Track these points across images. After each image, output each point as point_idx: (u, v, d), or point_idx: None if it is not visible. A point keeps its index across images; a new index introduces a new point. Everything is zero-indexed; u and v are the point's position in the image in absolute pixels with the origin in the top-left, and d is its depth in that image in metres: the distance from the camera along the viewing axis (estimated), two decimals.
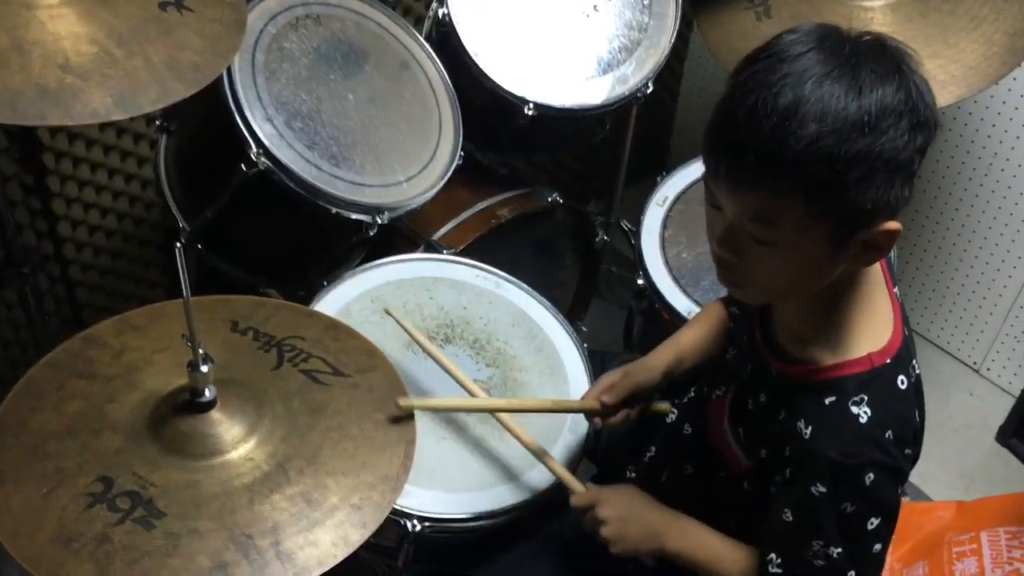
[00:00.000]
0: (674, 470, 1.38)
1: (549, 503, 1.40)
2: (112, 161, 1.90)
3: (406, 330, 1.44)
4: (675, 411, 1.43)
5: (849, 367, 1.06)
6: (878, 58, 0.94)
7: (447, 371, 1.40)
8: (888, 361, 1.06)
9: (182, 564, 0.93)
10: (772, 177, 0.95)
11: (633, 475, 1.44)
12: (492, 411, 1.40)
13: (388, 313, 1.47)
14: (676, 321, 1.69)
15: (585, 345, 1.61)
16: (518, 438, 1.36)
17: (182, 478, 1.00)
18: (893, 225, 0.99)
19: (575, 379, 1.55)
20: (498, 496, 1.37)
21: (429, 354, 1.43)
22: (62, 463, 1.00)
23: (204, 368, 1.01)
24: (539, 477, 1.40)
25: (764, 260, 1.02)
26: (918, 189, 2.50)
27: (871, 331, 1.07)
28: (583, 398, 1.42)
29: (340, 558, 0.97)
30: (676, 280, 1.81)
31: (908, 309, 2.67)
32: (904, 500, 2.28)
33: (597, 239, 2.18)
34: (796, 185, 0.94)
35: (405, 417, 1.13)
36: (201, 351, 1.01)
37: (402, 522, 1.31)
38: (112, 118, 1.11)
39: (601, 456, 1.57)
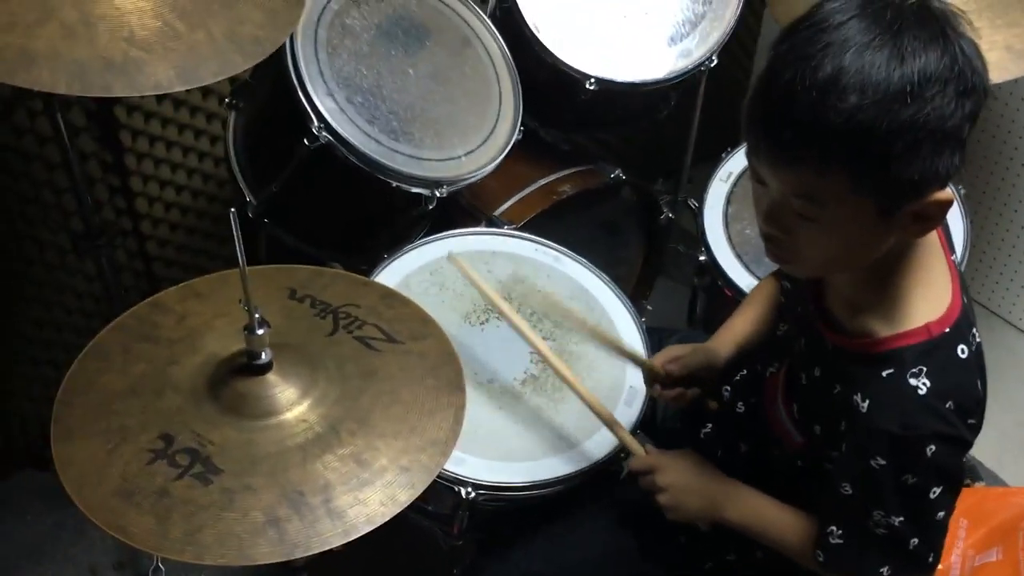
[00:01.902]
0: (728, 448, 1.37)
1: (603, 474, 1.41)
2: (186, 139, 1.96)
3: (471, 279, 1.46)
4: (728, 389, 1.42)
5: (906, 338, 1.04)
6: (921, 23, 0.91)
7: (511, 323, 1.42)
8: (947, 331, 1.03)
9: (237, 518, 0.96)
10: (813, 153, 0.93)
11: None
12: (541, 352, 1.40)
13: (452, 259, 1.48)
14: (738, 297, 1.68)
15: (643, 320, 1.61)
16: (580, 396, 1.36)
17: (239, 437, 1.04)
18: (943, 195, 0.96)
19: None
20: (552, 466, 1.38)
21: (492, 303, 1.45)
22: (126, 421, 1.05)
23: (260, 332, 1.04)
24: (593, 448, 1.41)
25: (812, 236, 1.00)
26: (995, 161, 2.44)
27: (928, 301, 1.05)
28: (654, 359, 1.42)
29: (388, 517, 0.99)
30: (739, 256, 1.80)
31: (985, 288, 2.60)
32: (980, 486, 2.23)
33: (662, 217, 2.17)
34: (838, 160, 0.92)
35: (454, 373, 1.14)
36: (258, 316, 1.04)
37: (456, 489, 1.34)
38: (174, 89, 1.15)
39: (656, 432, 1.57)
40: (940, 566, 2.07)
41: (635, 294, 2.28)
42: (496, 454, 1.38)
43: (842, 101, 0.89)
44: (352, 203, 1.65)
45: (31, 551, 2.03)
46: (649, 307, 2.30)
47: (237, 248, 0.98)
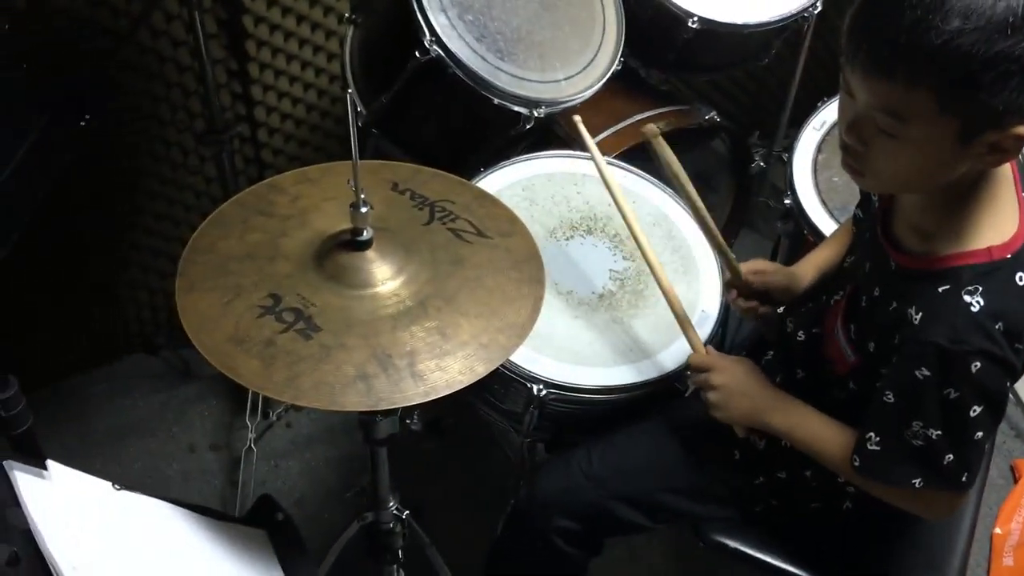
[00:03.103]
0: (787, 374, 1.43)
1: (668, 389, 1.48)
2: (305, 54, 2.08)
3: (582, 136, 1.55)
4: (792, 320, 1.47)
5: (967, 257, 1.08)
6: None
7: (612, 195, 1.50)
8: (1008, 256, 1.07)
9: (331, 370, 1.08)
10: (906, 70, 0.97)
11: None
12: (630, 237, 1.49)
13: (575, 122, 1.57)
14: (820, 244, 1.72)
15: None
16: (665, 293, 1.43)
17: (338, 302, 1.15)
18: (1023, 130, 1.00)
19: (707, 282, 1.61)
20: (620, 374, 1.46)
21: (597, 167, 1.54)
22: (241, 280, 1.17)
23: (364, 210, 1.15)
24: (661, 362, 1.48)
25: (889, 151, 1.05)
26: None
27: (993, 227, 1.08)
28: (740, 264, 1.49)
29: (466, 384, 1.09)
30: (824, 203, 1.83)
31: None
32: None
33: (753, 166, 2.21)
34: (929, 81, 0.97)
35: (536, 268, 1.23)
36: (362, 195, 1.15)
37: (529, 386, 1.43)
38: None
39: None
40: (999, 530, 2.10)
41: None
42: (569, 357, 1.47)
43: (945, 23, 0.93)
44: (455, 117, 1.75)
45: (137, 428, 2.21)
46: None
47: (350, 127, 1.08)
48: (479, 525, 1.78)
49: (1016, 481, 2.17)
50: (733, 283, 1.48)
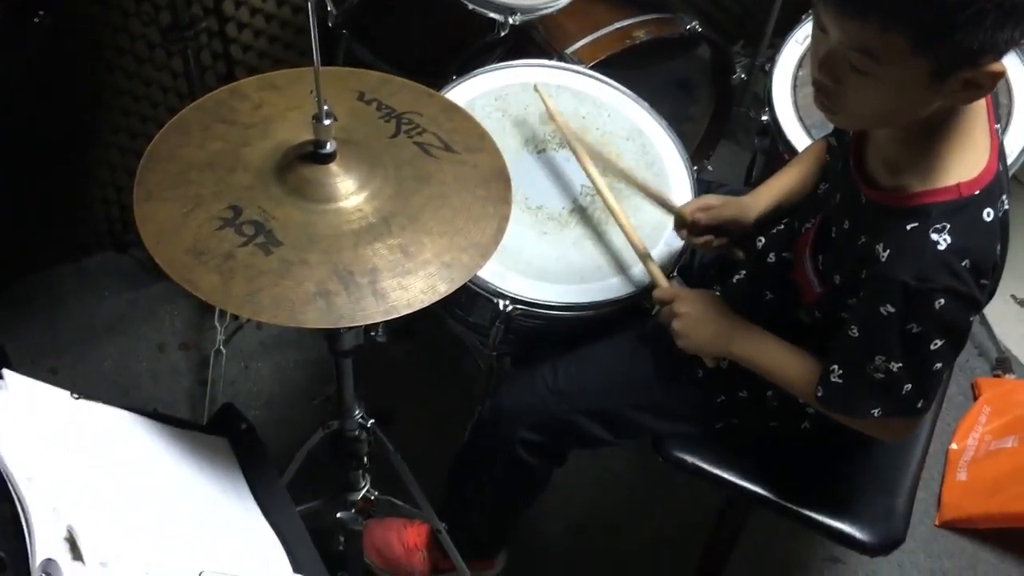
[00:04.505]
0: (755, 295, 1.44)
1: (633, 307, 1.49)
2: None
3: (547, 107, 1.54)
4: (763, 240, 1.47)
5: (936, 195, 1.08)
6: None
7: (574, 151, 1.50)
8: (976, 193, 1.07)
9: (291, 286, 1.07)
10: (881, 11, 0.95)
11: (718, 294, 1.51)
12: (593, 181, 1.49)
13: (536, 90, 1.55)
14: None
15: (695, 169, 1.65)
16: (623, 229, 1.44)
17: (299, 216, 1.13)
18: (998, 67, 0.98)
19: (679, 199, 1.59)
20: (586, 291, 1.46)
21: (561, 130, 1.53)
22: (200, 190, 1.14)
23: (327, 122, 1.12)
24: (628, 281, 1.48)
25: (861, 89, 1.03)
26: None
27: (964, 162, 1.08)
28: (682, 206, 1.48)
29: (427, 303, 1.08)
30: (801, 119, 1.81)
31: None
32: (1010, 378, 2.27)
33: (734, 77, 2.17)
34: (904, 20, 0.95)
35: (503, 187, 1.21)
36: (326, 107, 1.12)
37: (495, 301, 1.43)
38: None
39: (692, 276, 1.64)
40: (955, 446, 2.15)
41: (697, 153, 2.31)
42: (536, 274, 1.46)
43: None
44: (428, 22, 1.70)
45: (106, 326, 2.21)
46: (710, 167, 2.32)
47: (312, 37, 1.04)
48: (445, 434, 1.80)
49: (975, 399, 2.21)
50: (681, 223, 1.48)
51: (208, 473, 1.16)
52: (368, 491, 1.62)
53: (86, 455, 1.03)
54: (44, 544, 0.86)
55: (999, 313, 2.33)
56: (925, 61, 0.98)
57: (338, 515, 1.57)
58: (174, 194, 1.14)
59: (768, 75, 1.85)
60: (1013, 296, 2.44)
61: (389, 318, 1.07)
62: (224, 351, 2.10)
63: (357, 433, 1.54)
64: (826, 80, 1.07)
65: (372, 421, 1.52)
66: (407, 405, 2.03)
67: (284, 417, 2.06)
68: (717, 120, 2.30)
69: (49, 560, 0.83)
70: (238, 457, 1.22)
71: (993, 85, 1.01)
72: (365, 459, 1.59)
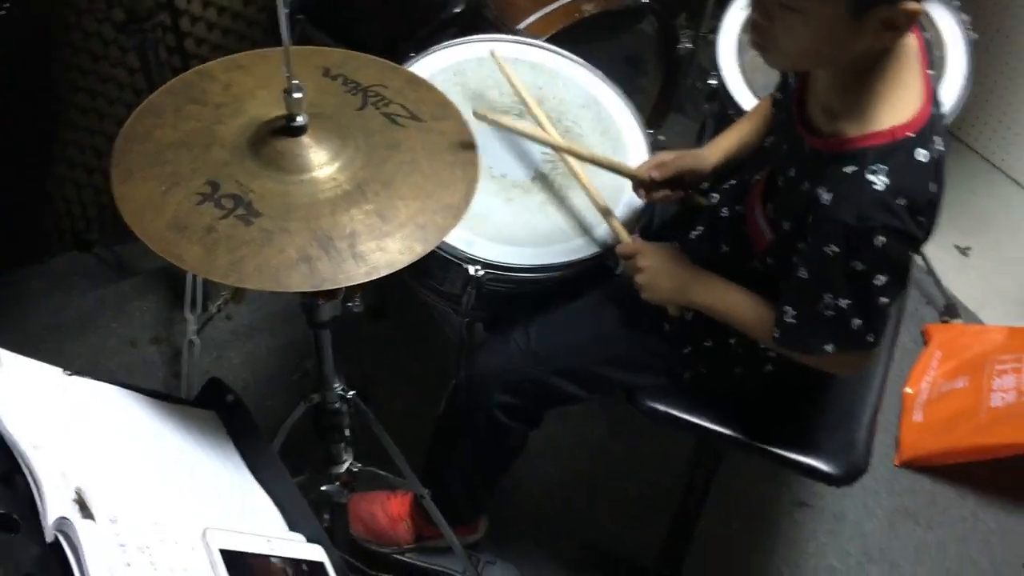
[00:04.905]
0: (712, 248, 1.50)
1: (599, 268, 1.55)
2: None
3: (504, 72, 1.61)
4: (716, 196, 1.53)
5: (872, 139, 1.14)
6: None
7: (525, 104, 1.56)
8: (909, 135, 1.14)
9: (273, 254, 1.10)
10: None
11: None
12: (554, 147, 1.55)
13: (493, 55, 1.61)
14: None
15: (651, 132, 1.71)
16: (586, 189, 1.50)
17: (276, 188, 1.17)
18: (912, 6, 1.05)
19: (637, 161, 1.65)
20: (553, 253, 1.51)
21: (519, 95, 1.59)
22: (178, 168, 1.18)
23: (297, 95, 1.16)
24: (592, 241, 1.54)
25: (788, 25, 1.11)
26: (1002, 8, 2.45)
27: (897, 106, 1.14)
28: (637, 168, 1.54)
29: (406, 263, 1.13)
30: (748, 83, 1.87)
31: (983, 136, 2.68)
32: (957, 323, 2.37)
33: (679, 47, 2.23)
34: None
35: (469, 151, 1.26)
36: (295, 81, 1.16)
37: (466, 267, 1.48)
38: None
39: (652, 235, 1.70)
40: (910, 390, 2.25)
41: (648, 124, 2.36)
42: (504, 238, 1.51)
43: None
44: (384, 4, 1.74)
45: (76, 324, 2.21)
46: (661, 138, 2.38)
47: (280, 12, 1.08)
48: (423, 402, 1.85)
49: (926, 344, 2.31)
50: (638, 184, 1.54)
51: (201, 443, 1.19)
52: (351, 464, 1.66)
53: (86, 424, 1.06)
54: (55, 506, 0.89)
55: (944, 263, 2.44)
56: None
57: (322, 488, 1.61)
58: (152, 173, 1.17)
59: (713, 41, 1.91)
60: (956, 246, 2.55)
61: (371, 279, 1.11)
62: (197, 341, 2.12)
63: (338, 405, 1.58)
64: (759, 18, 1.14)
65: (352, 392, 1.56)
66: (385, 378, 2.07)
67: (261, 401, 2.09)
68: (665, 91, 2.36)
69: (63, 519, 0.87)
70: (227, 427, 1.25)
71: (909, 24, 1.08)
72: (347, 431, 1.62)
